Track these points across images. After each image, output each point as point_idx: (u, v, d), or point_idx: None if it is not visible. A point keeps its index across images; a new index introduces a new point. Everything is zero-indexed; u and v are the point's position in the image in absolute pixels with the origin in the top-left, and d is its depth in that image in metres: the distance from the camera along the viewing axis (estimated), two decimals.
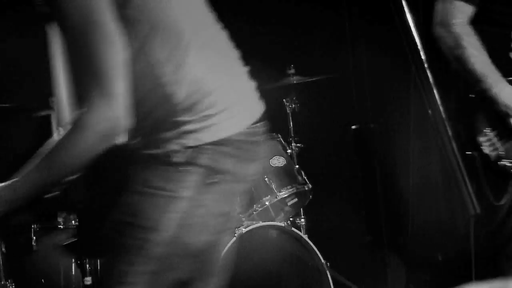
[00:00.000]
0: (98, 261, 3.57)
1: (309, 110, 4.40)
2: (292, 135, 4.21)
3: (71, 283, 3.55)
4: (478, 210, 1.44)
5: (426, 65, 1.46)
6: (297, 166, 4.03)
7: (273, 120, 4.41)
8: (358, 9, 4.24)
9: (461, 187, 1.44)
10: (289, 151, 4.05)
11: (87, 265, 3.39)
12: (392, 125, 4.57)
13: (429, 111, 1.45)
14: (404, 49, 1.56)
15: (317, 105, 4.60)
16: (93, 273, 3.44)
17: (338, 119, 4.79)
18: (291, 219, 4.04)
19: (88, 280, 3.38)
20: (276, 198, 3.81)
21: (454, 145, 1.46)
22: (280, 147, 4.00)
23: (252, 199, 3.81)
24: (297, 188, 3.90)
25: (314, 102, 4.54)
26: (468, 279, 4.76)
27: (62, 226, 3.67)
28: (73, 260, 3.47)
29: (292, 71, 4.31)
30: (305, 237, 3.76)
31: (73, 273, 3.54)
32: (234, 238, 3.40)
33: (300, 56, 4.63)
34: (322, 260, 3.68)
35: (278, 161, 3.91)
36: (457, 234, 4.89)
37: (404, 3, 1.50)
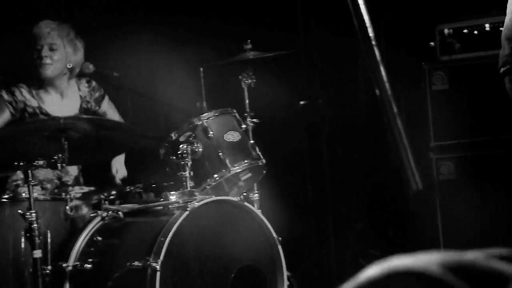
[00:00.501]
0: (48, 233, 3.55)
1: (265, 85, 4.41)
2: (248, 110, 4.21)
3: (20, 256, 3.53)
4: (420, 186, 1.45)
5: (373, 43, 1.47)
6: (251, 141, 4.04)
7: (229, 95, 4.44)
8: None
9: (404, 162, 1.46)
10: (244, 126, 4.06)
11: (36, 238, 3.37)
12: (339, 101, 4.62)
13: (376, 90, 1.46)
14: (354, 26, 1.56)
15: (273, 81, 4.62)
16: (42, 246, 3.42)
17: (292, 95, 4.83)
18: (244, 194, 4.06)
19: (37, 253, 3.36)
20: (230, 173, 3.82)
21: (399, 121, 1.47)
22: (235, 122, 4.00)
23: (205, 173, 3.82)
24: (250, 163, 3.91)
25: (270, 78, 4.55)
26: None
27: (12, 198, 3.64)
28: (22, 233, 3.44)
29: (249, 46, 4.30)
30: (258, 212, 3.78)
31: (23, 246, 3.51)
32: (187, 212, 3.40)
33: (256, 31, 4.62)
34: (274, 235, 3.70)
35: (233, 136, 3.92)
36: (404, 210, 4.97)
37: None
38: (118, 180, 4.31)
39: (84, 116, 4.11)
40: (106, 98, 4.39)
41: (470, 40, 4.81)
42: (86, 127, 3.60)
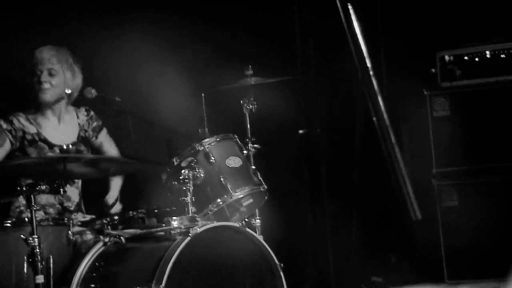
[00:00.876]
0: (51, 258, 3.56)
1: (266, 111, 4.43)
2: (249, 136, 4.24)
3: (22, 281, 3.54)
4: (419, 216, 1.47)
5: (371, 73, 1.51)
6: (253, 167, 4.05)
7: (230, 120, 4.46)
8: (309, 14, 4.27)
9: (403, 192, 1.48)
10: (245, 151, 4.07)
11: (39, 264, 3.38)
12: (338, 129, 4.62)
13: (374, 118, 1.49)
14: (352, 56, 1.60)
15: (274, 106, 4.63)
16: (44, 271, 3.43)
17: (292, 122, 4.84)
18: (246, 219, 4.07)
19: (40, 278, 3.37)
20: (232, 198, 3.83)
21: (397, 150, 1.51)
22: (236, 148, 4.02)
23: (207, 199, 3.83)
24: (252, 189, 3.92)
25: (271, 103, 4.57)
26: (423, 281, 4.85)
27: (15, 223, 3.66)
28: (25, 258, 3.46)
29: (250, 72, 4.34)
30: (260, 238, 3.79)
31: (25, 271, 3.52)
32: (189, 238, 3.41)
33: (258, 57, 4.66)
34: (276, 262, 3.71)
35: (234, 162, 3.93)
36: (405, 236, 4.97)
37: (352, 12, 1.54)
38: (109, 202, 4.32)
39: (87, 156, 4.12)
40: (104, 130, 4.42)
41: (471, 67, 4.84)
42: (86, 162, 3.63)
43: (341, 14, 1.55)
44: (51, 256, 3.56)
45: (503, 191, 4.72)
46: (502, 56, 4.83)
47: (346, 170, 4.67)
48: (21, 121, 4.13)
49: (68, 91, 4.17)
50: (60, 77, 4.13)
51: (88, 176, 3.97)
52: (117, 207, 4.31)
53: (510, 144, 4.74)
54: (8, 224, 3.64)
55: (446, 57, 4.90)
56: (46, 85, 4.10)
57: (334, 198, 4.70)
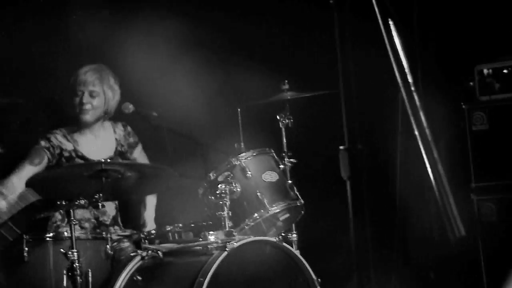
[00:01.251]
0: (89, 273, 3.60)
1: (302, 126, 4.44)
2: (285, 150, 4.24)
3: None
4: (463, 233, 1.46)
5: (413, 88, 1.51)
6: (289, 181, 4.06)
7: (267, 135, 4.47)
8: (350, 28, 4.28)
9: (446, 209, 1.47)
10: (281, 166, 4.08)
11: (78, 278, 3.42)
12: (379, 146, 4.58)
13: (416, 133, 1.49)
14: (393, 71, 1.60)
15: (310, 121, 4.64)
16: (83, 285, 3.47)
17: (330, 136, 4.82)
18: (283, 234, 4.07)
19: None
20: (268, 213, 3.84)
21: (440, 166, 1.50)
22: (273, 162, 4.03)
23: (244, 213, 3.84)
24: (289, 204, 3.92)
25: (308, 118, 4.58)
26: None
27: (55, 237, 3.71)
28: (65, 272, 3.50)
29: (286, 86, 4.35)
30: (297, 252, 3.79)
31: (65, 284, 3.56)
32: (226, 253, 3.43)
33: (294, 72, 4.67)
34: (314, 276, 3.70)
35: (271, 176, 3.94)
36: (447, 253, 4.92)
37: (392, 26, 1.54)
38: (146, 223, 4.35)
39: (125, 161, 4.17)
40: (140, 146, 4.45)
41: (510, 80, 4.80)
42: (125, 170, 3.65)
43: (382, 29, 1.55)
44: (89, 270, 3.61)
45: None
46: None
47: (387, 186, 4.65)
48: (59, 138, 4.18)
49: (107, 110, 4.22)
50: (101, 98, 4.18)
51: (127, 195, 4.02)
52: (152, 226, 4.34)
53: None
54: (48, 239, 3.69)
55: (485, 70, 4.86)
56: (87, 106, 4.16)
57: (375, 214, 4.67)
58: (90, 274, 3.60)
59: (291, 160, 4.22)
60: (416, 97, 1.51)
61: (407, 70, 1.50)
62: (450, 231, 1.49)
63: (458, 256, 4.87)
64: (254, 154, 3.98)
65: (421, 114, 1.50)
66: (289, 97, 4.32)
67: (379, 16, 1.52)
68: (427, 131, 1.49)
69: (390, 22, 1.52)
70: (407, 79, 1.50)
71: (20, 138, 4.43)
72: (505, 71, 4.83)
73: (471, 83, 4.87)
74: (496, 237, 4.74)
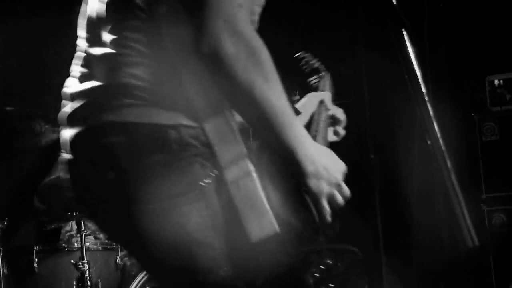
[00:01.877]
0: (99, 283, 3.60)
1: None
2: None
3: None
4: (477, 243, 1.46)
5: (426, 98, 1.50)
6: None
7: None
8: (361, 37, 4.26)
9: (459, 219, 1.47)
10: None
11: (89, 287, 3.42)
12: (393, 157, 4.57)
13: (429, 142, 1.48)
14: (406, 81, 1.59)
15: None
16: None
17: (345, 147, 4.80)
18: None
19: None
20: None
21: (454, 177, 1.49)
22: None
23: None
24: None
25: None
26: None
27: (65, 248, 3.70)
28: (75, 283, 3.49)
29: (297, 97, 4.34)
30: None
31: None
32: None
33: (306, 82, 4.66)
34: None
35: None
36: (459, 265, 4.90)
37: (406, 36, 1.54)
38: None
39: None
40: None
41: None
42: None
43: (395, 39, 1.55)
44: (99, 281, 3.60)
45: None
46: None
47: (401, 197, 4.63)
48: None
49: None
50: None
51: None
52: None
53: None
54: (59, 249, 3.69)
55: (496, 81, 4.86)
56: None
57: (387, 225, 4.66)
58: (100, 285, 3.59)
59: None
60: (429, 108, 1.50)
61: (420, 80, 1.49)
62: (464, 240, 1.48)
63: (469, 266, 4.86)
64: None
65: (435, 124, 1.49)
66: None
67: (392, 25, 1.52)
68: (441, 141, 1.48)
69: (404, 32, 1.51)
70: (420, 89, 1.49)
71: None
72: None
73: (481, 94, 4.87)
74: (507, 248, 4.72)
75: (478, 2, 5.15)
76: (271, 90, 1.76)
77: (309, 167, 1.86)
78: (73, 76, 2.02)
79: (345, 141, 2.39)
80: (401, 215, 4.74)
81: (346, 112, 2.58)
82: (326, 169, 1.91)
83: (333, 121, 2.67)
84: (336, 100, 4.35)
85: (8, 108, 3.91)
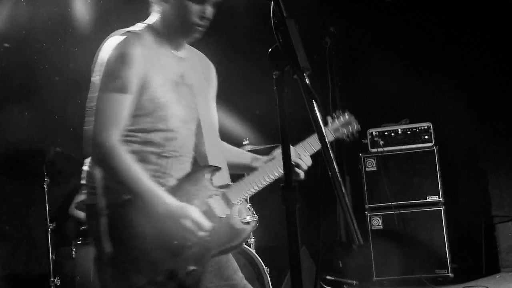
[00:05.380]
0: None
1: None
2: None
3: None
4: (361, 242, 1.42)
5: (329, 145, 1.46)
6: (249, 204, 3.98)
7: (233, 174, 4.37)
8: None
9: (349, 225, 1.43)
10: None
11: None
12: (306, 184, 4.57)
13: (329, 173, 1.44)
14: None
15: None
16: None
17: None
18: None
19: None
20: None
21: (347, 199, 1.45)
22: None
23: None
24: (248, 219, 3.83)
25: None
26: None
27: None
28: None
29: (247, 142, 4.31)
30: (253, 251, 3.71)
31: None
32: None
33: (251, 131, 4.62)
34: (264, 267, 3.62)
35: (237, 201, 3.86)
36: (349, 250, 4.87)
37: (315, 106, 1.49)
38: None
39: None
40: None
41: (389, 139, 4.87)
42: None
43: (308, 107, 1.50)
44: None
45: (421, 219, 4.69)
46: (408, 132, 4.86)
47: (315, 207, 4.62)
48: None
49: None
50: None
51: None
52: None
53: (412, 185, 4.74)
54: (89, 242, 3.56)
55: (374, 132, 4.92)
56: None
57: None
58: None
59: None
60: (331, 153, 1.47)
61: (324, 130, 1.46)
62: (352, 238, 1.45)
63: (358, 253, 4.84)
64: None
65: (334, 163, 1.46)
66: (248, 149, 4.26)
67: (304, 93, 1.48)
68: (339, 175, 1.45)
69: (314, 103, 1.48)
70: (324, 138, 1.46)
71: None
72: (386, 133, 4.89)
73: (364, 141, 4.92)
74: (382, 239, 4.73)
75: (362, 78, 5.22)
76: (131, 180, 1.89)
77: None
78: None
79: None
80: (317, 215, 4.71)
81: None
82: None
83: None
84: (272, 144, 4.34)
85: (58, 149, 3.84)
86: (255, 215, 3.89)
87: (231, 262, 2.12)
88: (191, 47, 2.18)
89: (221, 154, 2.15)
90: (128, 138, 1.93)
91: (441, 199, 4.64)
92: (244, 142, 4.27)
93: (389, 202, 4.72)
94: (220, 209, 2.00)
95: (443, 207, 4.63)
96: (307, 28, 1.72)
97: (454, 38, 4.97)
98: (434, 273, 4.56)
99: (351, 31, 5.24)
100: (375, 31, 5.00)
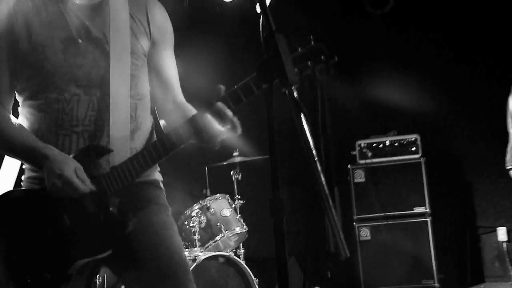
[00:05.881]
0: None
1: (246, 178, 4.35)
2: (236, 195, 4.15)
3: None
4: (348, 254, 1.40)
5: (317, 161, 1.44)
6: (239, 215, 3.96)
7: (223, 185, 4.36)
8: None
9: (336, 237, 1.41)
10: (233, 205, 3.99)
11: None
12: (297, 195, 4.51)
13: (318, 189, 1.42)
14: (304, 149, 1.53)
15: (253, 176, 4.54)
16: None
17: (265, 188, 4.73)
18: (234, 250, 3.95)
19: None
20: (224, 236, 3.73)
21: (334, 211, 1.44)
22: (228, 203, 3.93)
23: (209, 237, 3.73)
24: (238, 231, 3.82)
25: (251, 174, 4.49)
26: None
27: None
28: None
29: (237, 153, 4.29)
30: (243, 262, 3.67)
31: None
32: (195, 264, 3.28)
33: (241, 143, 4.60)
34: (253, 278, 3.58)
35: (227, 212, 3.84)
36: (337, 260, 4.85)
37: (303, 120, 1.48)
38: None
39: None
40: None
41: (377, 150, 4.87)
42: None
43: (296, 119, 1.49)
44: None
45: (408, 230, 4.68)
46: (396, 144, 4.87)
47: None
48: None
49: None
50: None
51: None
52: None
53: (399, 196, 4.74)
54: None
55: (362, 144, 4.92)
56: None
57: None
58: None
59: (240, 201, 4.12)
60: (319, 166, 1.45)
61: (312, 146, 1.45)
62: (340, 251, 1.42)
63: (346, 263, 4.82)
64: (216, 197, 3.88)
65: (322, 178, 1.44)
66: (238, 160, 4.25)
67: (292, 107, 1.47)
68: (326, 188, 1.43)
69: (302, 117, 1.47)
70: (312, 153, 1.45)
71: None
72: (374, 144, 4.89)
73: (352, 152, 4.92)
74: (370, 250, 4.72)
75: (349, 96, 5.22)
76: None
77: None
78: None
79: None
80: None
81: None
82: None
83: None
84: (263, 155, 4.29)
85: None
86: (245, 226, 3.86)
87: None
88: None
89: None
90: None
91: (427, 210, 4.64)
92: (234, 154, 4.25)
93: (377, 213, 4.71)
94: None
95: (430, 218, 4.62)
96: (296, 41, 1.70)
97: (440, 52, 4.99)
98: (421, 283, 4.55)
99: (339, 44, 5.25)
100: (364, 44, 5.01)
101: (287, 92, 1.48)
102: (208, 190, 4.09)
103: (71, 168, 1.58)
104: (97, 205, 1.61)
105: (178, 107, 1.80)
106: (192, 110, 1.77)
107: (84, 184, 1.59)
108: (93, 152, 1.63)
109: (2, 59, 1.63)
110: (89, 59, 1.65)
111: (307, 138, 1.49)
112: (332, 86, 5.18)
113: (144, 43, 1.74)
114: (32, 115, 1.69)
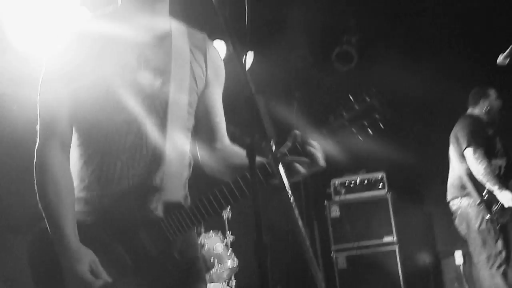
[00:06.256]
0: None
1: (237, 217, 4.32)
2: (228, 231, 4.12)
3: None
4: (324, 287, 1.41)
5: (294, 204, 1.46)
6: (230, 249, 3.92)
7: (215, 224, 4.31)
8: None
9: (312, 270, 1.42)
10: (226, 240, 3.95)
11: None
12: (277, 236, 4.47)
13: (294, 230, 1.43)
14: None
15: (242, 214, 4.52)
16: None
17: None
18: (226, 281, 3.89)
19: None
20: (217, 271, 3.68)
21: (310, 249, 1.45)
22: (219, 239, 3.90)
23: (206, 270, 3.67)
24: (229, 265, 3.78)
25: (241, 213, 4.46)
26: None
27: None
28: None
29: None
30: None
31: None
32: None
33: None
34: None
35: (219, 248, 3.80)
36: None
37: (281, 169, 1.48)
38: None
39: None
40: None
41: (349, 188, 4.93)
42: None
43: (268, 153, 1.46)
44: None
45: (377, 257, 4.65)
46: (365, 182, 4.94)
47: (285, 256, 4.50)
48: None
49: None
50: None
51: None
52: None
53: (370, 228, 4.74)
54: None
55: (337, 182, 4.98)
56: None
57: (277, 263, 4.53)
58: None
59: (231, 237, 4.08)
60: (296, 211, 1.46)
61: (288, 187, 1.43)
62: (316, 281, 1.42)
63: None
64: (209, 236, 3.86)
65: (300, 222, 1.45)
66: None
67: (270, 158, 1.46)
68: (303, 230, 1.45)
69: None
70: (289, 197, 1.45)
71: None
72: (346, 183, 4.96)
73: (328, 190, 4.96)
74: (347, 276, 4.68)
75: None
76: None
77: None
78: None
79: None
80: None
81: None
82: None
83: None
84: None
85: None
86: (236, 259, 3.82)
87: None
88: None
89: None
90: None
91: (394, 239, 4.66)
92: None
93: (351, 243, 4.71)
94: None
95: (397, 245, 4.65)
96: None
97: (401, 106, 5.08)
98: None
99: (312, 96, 5.35)
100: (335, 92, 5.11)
101: (265, 146, 1.48)
102: (203, 228, 4.01)
103: (86, 264, 1.40)
104: (160, 250, 1.45)
105: (224, 149, 1.66)
106: (237, 153, 1.65)
107: (98, 279, 1.40)
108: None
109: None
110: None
111: (286, 185, 1.51)
112: (308, 132, 5.23)
113: (200, 83, 1.59)
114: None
